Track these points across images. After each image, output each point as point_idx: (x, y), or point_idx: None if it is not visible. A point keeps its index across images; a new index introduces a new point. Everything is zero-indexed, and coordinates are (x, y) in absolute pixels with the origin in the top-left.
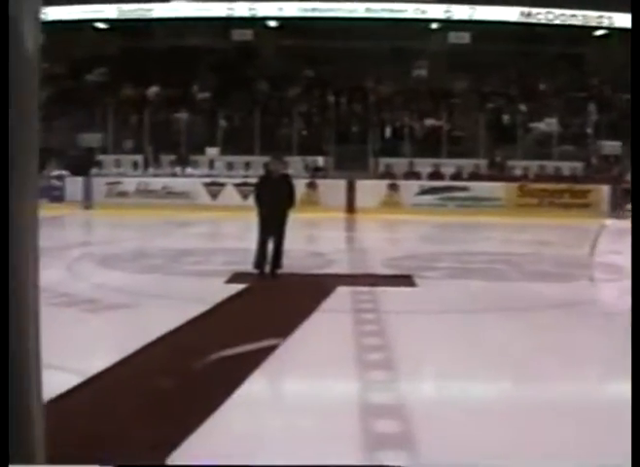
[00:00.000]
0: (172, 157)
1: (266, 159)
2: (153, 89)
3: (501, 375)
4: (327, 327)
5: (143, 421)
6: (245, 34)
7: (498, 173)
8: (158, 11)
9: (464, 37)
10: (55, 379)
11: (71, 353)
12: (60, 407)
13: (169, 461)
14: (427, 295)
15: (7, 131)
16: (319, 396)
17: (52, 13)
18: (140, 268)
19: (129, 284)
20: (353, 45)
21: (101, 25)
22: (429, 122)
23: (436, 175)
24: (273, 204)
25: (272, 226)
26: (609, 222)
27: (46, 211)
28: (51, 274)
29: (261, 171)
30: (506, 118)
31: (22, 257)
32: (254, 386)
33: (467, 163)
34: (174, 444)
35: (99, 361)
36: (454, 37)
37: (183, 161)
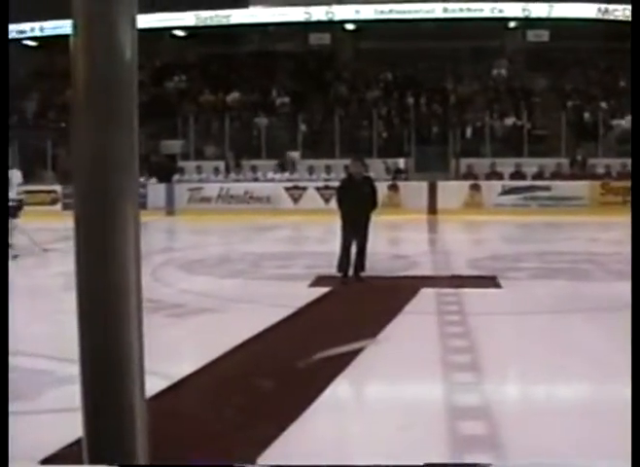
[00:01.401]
0: (261, 161)
1: (346, 161)
2: (232, 95)
3: (587, 376)
4: (412, 329)
5: (230, 422)
6: (323, 38)
7: (579, 172)
8: (236, 17)
9: (543, 35)
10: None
11: (158, 358)
12: (149, 409)
13: (259, 461)
14: (512, 296)
15: (7, 132)
16: (404, 398)
17: None
18: (224, 272)
19: (213, 289)
20: (431, 46)
21: (180, 33)
22: (510, 121)
23: (518, 175)
24: (356, 207)
25: (355, 228)
26: None
27: None
28: None
29: (342, 174)
30: (587, 116)
31: (125, 260)
32: (340, 388)
33: (549, 163)
34: (263, 445)
35: (186, 365)
36: (533, 35)
37: (285, 166)
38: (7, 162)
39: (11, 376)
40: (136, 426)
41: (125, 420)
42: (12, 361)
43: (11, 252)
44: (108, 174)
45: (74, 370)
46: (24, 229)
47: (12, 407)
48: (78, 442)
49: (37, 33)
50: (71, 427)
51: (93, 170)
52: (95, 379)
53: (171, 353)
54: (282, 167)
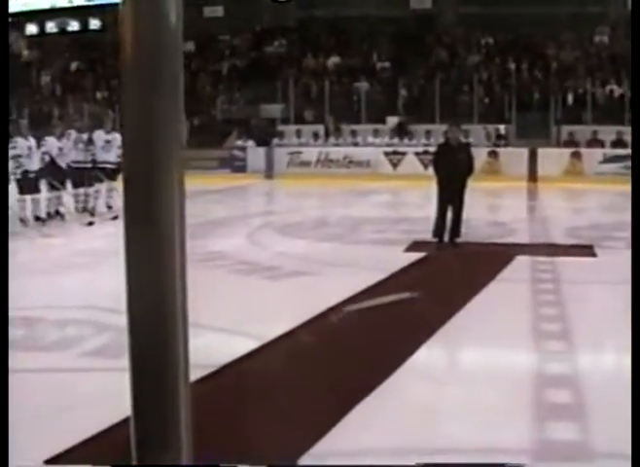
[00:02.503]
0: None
1: (446, 127)
2: (333, 60)
3: None
4: (504, 296)
5: (316, 383)
6: (424, 2)
7: None
8: None
9: None
10: (235, 344)
11: (251, 319)
12: (238, 369)
13: (341, 424)
14: (608, 265)
15: (7, 131)
16: (494, 365)
17: None
18: (321, 236)
19: (310, 252)
20: (533, 11)
21: None
22: (611, 88)
23: (619, 143)
24: (452, 173)
25: (451, 194)
26: None
27: (229, 181)
28: (233, 243)
29: (441, 140)
30: None
31: (169, 223)
32: (430, 353)
33: None
34: (347, 407)
35: (277, 326)
36: None
37: (403, 131)
38: (7, 161)
39: (106, 333)
40: (180, 408)
41: (168, 400)
42: (107, 320)
43: (111, 213)
44: (154, 137)
45: None
46: None
47: (104, 364)
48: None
49: None
50: None
51: (140, 133)
52: (142, 342)
53: (263, 314)
54: (402, 131)
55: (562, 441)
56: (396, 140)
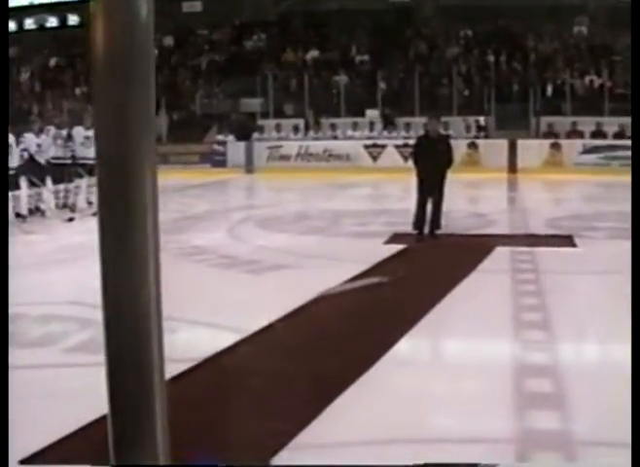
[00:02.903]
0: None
1: (426, 120)
2: (312, 54)
3: None
4: (484, 286)
5: (297, 376)
6: None
7: None
8: None
9: None
10: (216, 337)
11: (232, 312)
12: (220, 362)
13: (324, 415)
14: (587, 255)
15: (6, 130)
16: (475, 355)
17: None
18: (301, 229)
19: (291, 246)
20: (512, 2)
21: None
22: (591, 79)
23: (599, 134)
24: (431, 164)
25: (431, 186)
26: None
27: (209, 176)
28: (214, 237)
29: (421, 132)
30: None
31: (144, 221)
32: (410, 345)
33: (630, 122)
34: (328, 399)
35: (260, 319)
36: None
37: (388, 122)
38: (7, 161)
39: (89, 329)
40: (155, 406)
41: (144, 400)
42: (90, 315)
43: (91, 209)
44: (126, 133)
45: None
46: None
47: (88, 359)
48: None
49: None
50: None
51: (113, 129)
52: (118, 339)
53: (244, 307)
54: (387, 122)
55: (543, 429)
56: (376, 133)
